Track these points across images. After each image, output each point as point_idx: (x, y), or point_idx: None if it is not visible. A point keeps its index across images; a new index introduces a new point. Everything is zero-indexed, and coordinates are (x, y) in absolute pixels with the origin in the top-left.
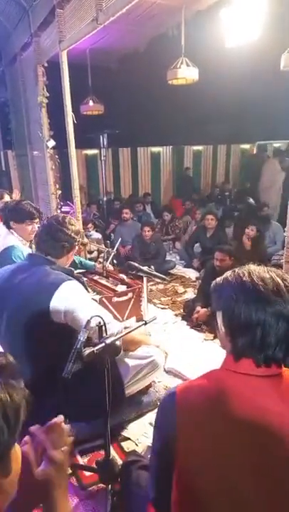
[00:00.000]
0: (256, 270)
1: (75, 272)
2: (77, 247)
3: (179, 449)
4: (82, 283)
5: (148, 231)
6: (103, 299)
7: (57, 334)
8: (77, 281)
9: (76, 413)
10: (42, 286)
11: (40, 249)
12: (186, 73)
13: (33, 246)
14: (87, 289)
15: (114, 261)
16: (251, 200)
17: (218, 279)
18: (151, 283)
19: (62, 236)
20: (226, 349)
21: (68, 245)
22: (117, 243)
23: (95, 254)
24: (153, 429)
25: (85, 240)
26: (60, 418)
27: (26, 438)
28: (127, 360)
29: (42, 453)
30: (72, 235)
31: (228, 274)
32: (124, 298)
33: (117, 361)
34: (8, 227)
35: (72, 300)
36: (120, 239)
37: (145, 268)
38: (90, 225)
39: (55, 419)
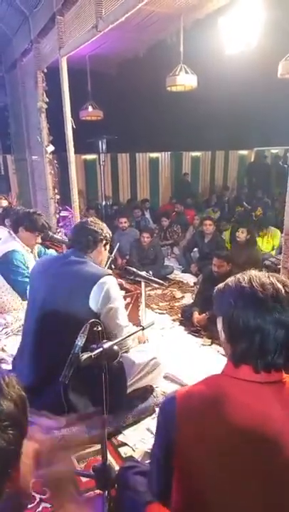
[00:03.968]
0: (257, 276)
1: None
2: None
3: (179, 453)
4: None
5: (147, 237)
6: None
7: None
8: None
9: (77, 399)
10: (85, 274)
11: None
12: (184, 80)
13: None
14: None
15: (113, 266)
16: (246, 204)
17: (221, 285)
18: (149, 288)
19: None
20: (226, 355)
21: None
22: (115, 249)
23: None
24: (155, 432)
25: None
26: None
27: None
28: (131, 356)
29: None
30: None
31: (230, 279)
32: None
33: (122, 356)
34: (15, 232)
35: (113, 296)
36: (118, 244)
37: (143, 273)
38: None
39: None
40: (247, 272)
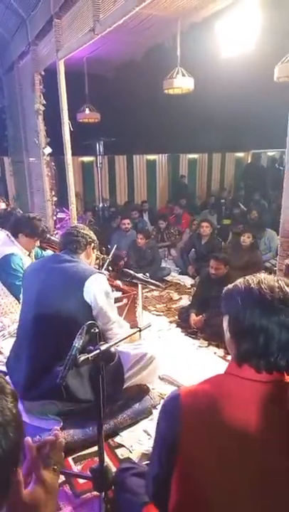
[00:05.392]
0: (266, 279)
1: None
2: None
3: (181, 451)
4: None
5: (141, 239)
6: None
7: (84, 315)
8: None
9: (76, 387)
10: (78, 270)
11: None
12: (181, 83)
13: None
14: None
15: (110, 267)
16: (242, 206)
17: (230, 285)
18: (147, 290)
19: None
20: (231, 354)
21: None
22: (113, 250)
23: None
24: (155, 432)
25: None
26: (56, 433)
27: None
28: (126, 349)
29: (31, 471)
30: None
31: (239, 280)
32: (119, 304)
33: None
34: (14, 236)
35: (103, 291)
36: (116, 245)
37: (140, 275)
38: None
39: (49, 437)
40: (257, 274)
